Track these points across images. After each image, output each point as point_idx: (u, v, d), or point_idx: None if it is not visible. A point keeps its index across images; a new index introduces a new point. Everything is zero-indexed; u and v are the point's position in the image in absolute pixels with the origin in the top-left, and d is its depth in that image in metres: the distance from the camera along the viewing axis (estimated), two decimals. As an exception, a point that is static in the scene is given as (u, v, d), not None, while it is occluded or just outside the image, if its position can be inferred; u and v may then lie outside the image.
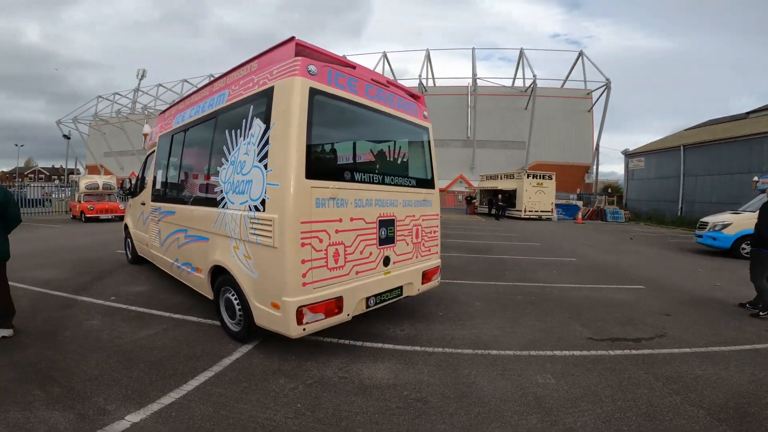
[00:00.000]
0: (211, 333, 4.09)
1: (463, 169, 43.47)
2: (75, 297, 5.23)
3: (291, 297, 3.05)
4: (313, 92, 3.19)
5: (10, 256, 3.95)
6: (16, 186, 30.59)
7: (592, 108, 43.16)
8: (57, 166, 77.06)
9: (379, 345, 3.87)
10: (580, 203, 28.08)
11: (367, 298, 3.73)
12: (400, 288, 4.14)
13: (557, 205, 26.41)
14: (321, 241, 3.24)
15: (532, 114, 40.70)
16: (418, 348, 3.81)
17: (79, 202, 17.79)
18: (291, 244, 3.04)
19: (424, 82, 43.21)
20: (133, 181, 7.33)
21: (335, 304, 3.33)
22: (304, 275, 3.10)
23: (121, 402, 2.73)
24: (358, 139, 4.04)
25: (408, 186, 4.26)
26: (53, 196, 25.74)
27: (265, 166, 3.26)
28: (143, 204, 6.46)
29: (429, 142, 4.72)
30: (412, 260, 4.28)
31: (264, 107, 3.35)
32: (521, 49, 41.89)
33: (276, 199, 3.13)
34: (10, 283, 4.08)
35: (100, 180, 19.19)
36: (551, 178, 25.48)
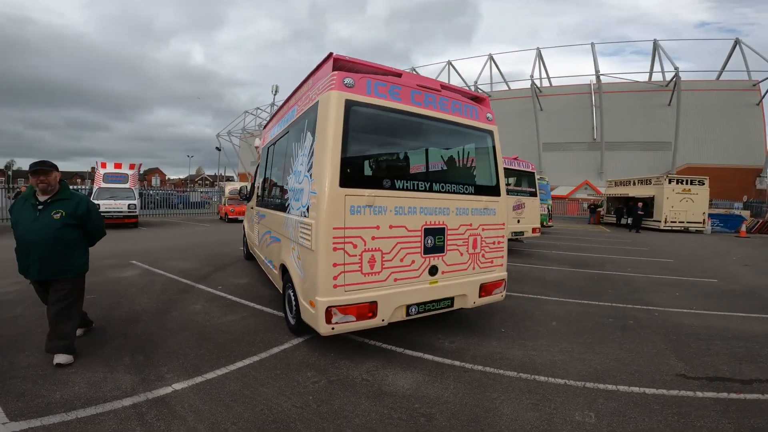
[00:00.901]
0: (276, 324, 4.48)
1: (589, 174, 38.58)
2: (194, 284, 6.32)
3: (322, 297, 3.17)
4: (350, 104, 3.25)
5: (88, 268, 3.65)
6: (184, 190, 35.51)
7: (761, 101, 33.92)
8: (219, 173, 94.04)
9: (419, 354, 3.71)
10: (746, 213, 22.13)
11: (408, 306, 3.61)
12: (451, 299, 3.89)
13: (712, 216, 21.32)
14: (355, 246, 3.27)
15: (678, 110, 33.94)
16: (457, 363, 3.52)
17: (225, 205, 21.40)
18: (323, 248, 3.15)
19: (537, 82, 39.96)
20: (248, 188, 8.54)
21: (368, 308, 3.33)
22: (335, 278, 3.18)
23: (178, 372, 3.19)
24: (402, 146, 3.96)
25: (464, 193, 3.97)
26: (213, 199, 31.31)
27: (311, 176, 3.46)
28: (252, 208, 7.48)
29: (494, 146, 4.33)
30: (467, 271, 3.98)
31: (313, 121, 3.55)
32: (654, 40, 35.53)
33: (315, 206, 3.30)
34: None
35: (239, 186, 22.88)
36: (703, 183, 20.68)
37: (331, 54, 3.41)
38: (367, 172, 3.60)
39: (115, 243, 10.88)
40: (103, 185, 14.91)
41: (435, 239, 3.72)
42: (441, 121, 3.89)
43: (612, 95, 37.03)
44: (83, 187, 14.78)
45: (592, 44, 37.77)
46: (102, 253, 8.99)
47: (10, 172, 69.19)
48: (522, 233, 10.94)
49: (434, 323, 4.55)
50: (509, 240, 11.74)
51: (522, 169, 11.21)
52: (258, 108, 63.55)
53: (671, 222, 20.56)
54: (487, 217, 4.14)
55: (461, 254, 3.92)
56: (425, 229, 3.66)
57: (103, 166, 15.59)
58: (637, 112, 36.89)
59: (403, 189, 3.55)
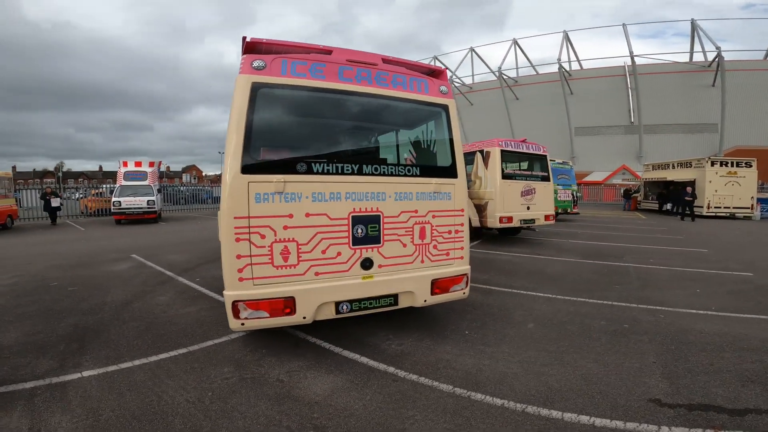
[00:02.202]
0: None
1: (627, 158, 35.57)
2: (175, 276, 6.14)
3: (228, 290, 2.85)
4: (258, 86, 2.92)
5: None
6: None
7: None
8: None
9: (355, 356, 3.23)
10: (804, 197, 19.27)
11: (338, 303, 3.10)
12: (393, 297, 3.32)
13: (762, 200, 18.78)
14: (263, 237, 2.86)
15: (723, 91, 30.32)
16: (391, 369, 2.98)
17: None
18: (226, 238, 2.82)
19: (565, 65, 37.17)
20: None
21: (283, 304, 2.91)
22: (240, 270, 2.82)
23: (98, 361, 3.13)
24: (326, 127, 3.44)
25: (405, 175, 3.37)
26: None
27: None
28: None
29: (448, 122, 3.65)
30: (412, 265, 3.38)
31: None
32: (692, 20, 31.85)
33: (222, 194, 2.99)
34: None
35: None
36: (750, 166, 18.17)
37: (244, 38, 3.03)
38: (279, 156, 3.13)
39: (127, 237, 11.15)
40: (124, 183, 15.38)
41: (367, 228, 3.16)
42: (377, 97, 3.31)
43: (649, 77, 33.70)
44: (119, 185, 15.27)
45: (624, 25, 34.40)
46: (109, 248, 9.18)
47: (59, 174, 74.67)
48: (532, 221, 9.95)
49: (392, 321, 4.01)
50: (518, 228, 10.82)
51: (532, 152, 10.17)
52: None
53: (715, 207, 18.29)
54: (438, 202, 3.49)
55: (404, 245, 3.32)
56: (353, 217, 3.12)
57: (125, 164, 16.11)
58: (678, 93, 33.42)
59: (322, 173, 3.04)
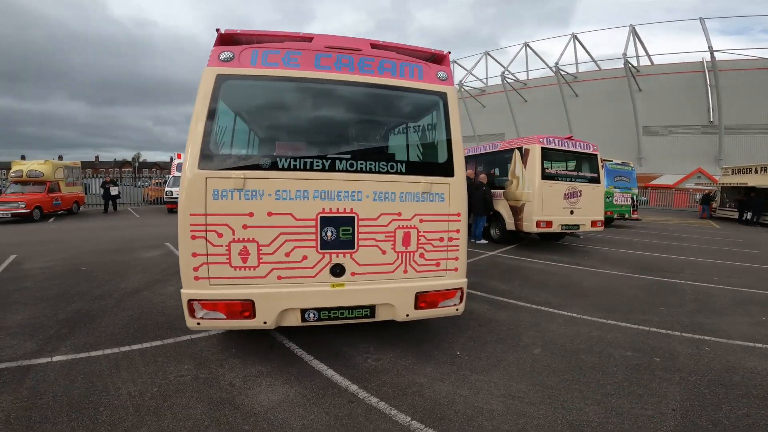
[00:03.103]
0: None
1: (703, 160, 31.47)
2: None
3: (184, 289, 2.71)
4: (222, 79, 2.75)
5: None
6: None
7: None
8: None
9: (324, 368, 2.97)
10: None
11: (304, 311, 2.84)
12: (370, 308, 2.97)
13: None
14: (220, 236, 2.67)
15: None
16: (353, 388, 2.67)
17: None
18: (182, 235, 2.67)
19: (633, 61, 33.60)
20: None
21: (241, 307, 2.71)
22: (195, 269, 2.67)
23: (74, 347, 3.20)
24: (299, 118, 3.15)
25: (387, 172, 2.98)
26: None
27: None
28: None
29: (446, 112, 3.17)
30: (393, 274, 2.98)
31: None
32: None
33: None
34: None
35: None
36: None
37: (218, 30, 2.89)
38: (242, 150, 2.93)
39: (173, 226, 11.85)
40: (176, 174, 16.45)
41: (338, 231, 2.84)
42: (360, 86, 2.97)
43: (731, 74, 29.38)
44: (171, 176, 16.43)
45: (701, 19, 30.16)
46: (151, 235, 9.75)
47: (136, 164, 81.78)
48: (576, 226, 8.95)
49: (381, 330, 3.67)
50: (559, 234, 9.81)
51: (579, 150, 9.15)
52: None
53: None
54: (428, 204, 3.04)
55: (383, 252, 2.94)
56: (322, 218, 2.80)
57: (179, 156, 17.22)
58: (765, 92, 28.84)
59: (288, 169, 2.76)
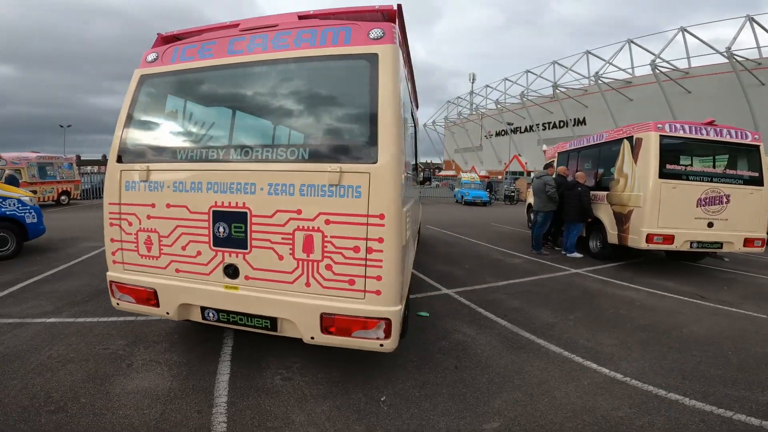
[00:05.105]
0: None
1: None
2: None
3: (108, 271, 2.91)
4: (144, 79, 2.88)
5: None
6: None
7: None
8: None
9: (223, 372, 2.76)
10: None
11: (203, 309, 2.64)
12: (271, 320, 2.52)
13: None
14: (130, 224, 2.76)
15: None
16: (221, 400, 2.32)
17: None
18: (106, 222, 2.87)
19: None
20: None
21: (146, 295, 2.74)
22: (113, 253, 2.86)
23: (70, 314, 3.78)
24: (208, 108, 2.95)
25: (286, 161, 2.43)
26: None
27: None
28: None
29: (372, 77, 2.34)
30: (293, 285, 2.44)
31: None
32: None
33: None
34: None
35: None
36: None
37: (158, 34, 3.02)
38: (152, 143, 2.92)
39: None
40: None
41: (230, 228, 2.49)
42: (271, 64, 2.58)
43: None
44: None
45: None
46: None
47: None
48: (719, 245, 6.28)
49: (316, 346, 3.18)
50: (691, 254, 6.97)
51: (727, 140, 6.38)
52: (459, 97, 62.67)
53: None
54: (337, 200, 2.32)
55: (280, 257, 2.44)
56: (214, 212, 2.52)
57: None
58: None
59: (185, 159, 2.64)
